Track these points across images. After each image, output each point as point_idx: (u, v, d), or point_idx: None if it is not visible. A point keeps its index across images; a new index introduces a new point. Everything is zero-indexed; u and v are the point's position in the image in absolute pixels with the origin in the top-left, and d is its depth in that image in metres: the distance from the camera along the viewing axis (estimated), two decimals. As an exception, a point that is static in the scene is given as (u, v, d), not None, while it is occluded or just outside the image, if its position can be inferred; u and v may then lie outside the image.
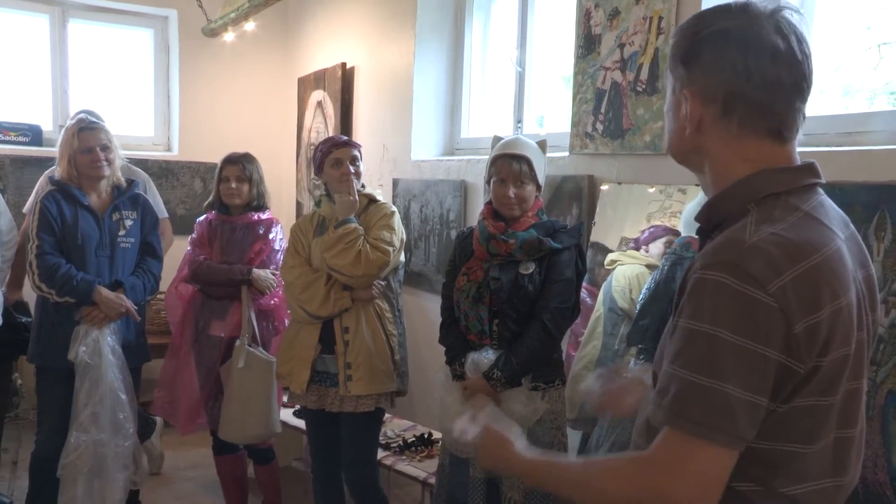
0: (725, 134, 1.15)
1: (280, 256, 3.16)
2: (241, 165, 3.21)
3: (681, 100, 1.18)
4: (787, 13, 1.13)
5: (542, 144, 2.48)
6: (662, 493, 1.06)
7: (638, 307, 2.46)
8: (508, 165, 2.38)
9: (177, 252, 3.41)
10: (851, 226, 1.19)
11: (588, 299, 2.68)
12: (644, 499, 1.09)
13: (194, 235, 3.28)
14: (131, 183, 3.12)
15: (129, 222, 3.05)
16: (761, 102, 1.12)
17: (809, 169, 1.16)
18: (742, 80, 1.11)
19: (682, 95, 1.17)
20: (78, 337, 2.89)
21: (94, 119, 3.01)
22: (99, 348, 2.90)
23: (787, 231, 1.06)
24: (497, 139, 2.50)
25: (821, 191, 1.16)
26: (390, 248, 2.68)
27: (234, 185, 3.19)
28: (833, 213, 1.16)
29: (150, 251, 3.14)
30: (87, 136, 2.95)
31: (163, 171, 5.10)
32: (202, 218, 3.33)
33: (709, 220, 1.19)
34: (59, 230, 2.91)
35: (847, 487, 1.18)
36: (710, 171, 1.19)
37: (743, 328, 1.01)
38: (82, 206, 2.96)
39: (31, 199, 3.85)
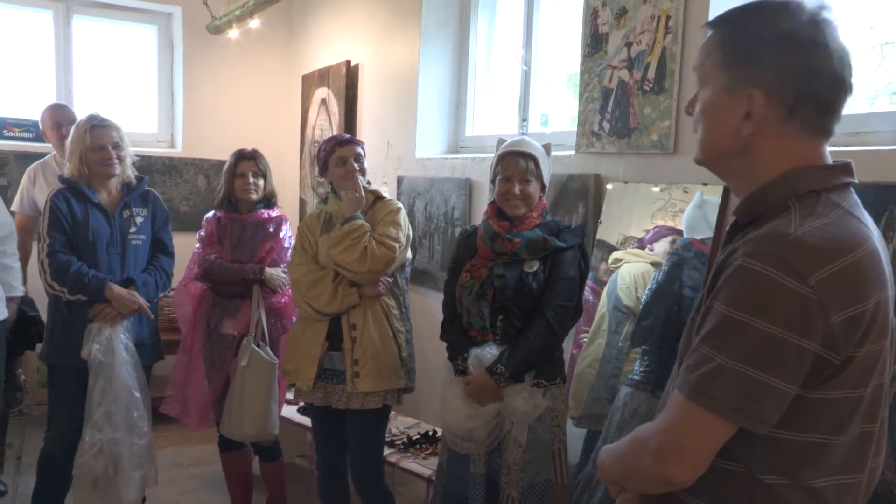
0: (783, 134, 1.17)
1: (290, 254, 3.17)
2: (255, 161, 3.23)
3: (740, 100, 1.17)
4: (830, 13, 1.16)
5: (547, 147, 2.50)
6: (662, 457, 1.13)
7: (641, 307, 2.48)
8: (515, 163, 2.38)
9: (184, 250, 3.41)
10: (876, 227, 1.21)
11: (591, 297, 2.69)
12: (642, 463, 1.16)
13: (202, 233, 3.27)
14: (141, 179, 3.11)
15: (139, 219, 3.04)
16: (827, 103, 1.15)
17: (845, 168, 1.18)
18: (814, 81, 1.13)
19: (743, 95, 1.16)
20: (91, 335, 2.87)
21: (105, 118, 3.01)
22: (112, 346, 2.89)
23: (831, 226, 1.09)
24: (501, 141, 2.51)
25: (853, 190, 1.19)
26: (396, 245, 2.69)
27: (251, 180, 3.20)
28: (865, 212, 1.18)
29: (161, 248, 3.13)
30: (98, 133, 2.94)
31: (166, 168, 5.11)
32: (210, 215, 3.32)
33: (747, 215, 1.21)
34: (70, 228, 2.90)
35: (869, 485, 1.20)
36: (748, 171, 1.20)
37: (779, 318, 1.04)
38: (93, 203, 2.94)
39: (17, 196, 3.86)
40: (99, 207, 2.96)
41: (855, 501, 1.19)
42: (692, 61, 2.40)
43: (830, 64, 1.13)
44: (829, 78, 1.13)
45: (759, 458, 1.13)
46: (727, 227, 1.28)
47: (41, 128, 3.93)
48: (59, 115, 3.82)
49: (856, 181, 1.19)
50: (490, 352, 2.35)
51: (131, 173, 3.07)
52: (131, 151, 3.08)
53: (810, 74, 1.13)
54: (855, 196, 1.18)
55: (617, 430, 2.39)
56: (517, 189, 2.37)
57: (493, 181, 2.47)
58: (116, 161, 2.96)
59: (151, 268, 3.08)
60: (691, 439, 1.11)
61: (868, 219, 1.17)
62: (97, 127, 2.95)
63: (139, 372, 3.00)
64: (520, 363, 2.32)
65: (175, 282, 3.39)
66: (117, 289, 2.91)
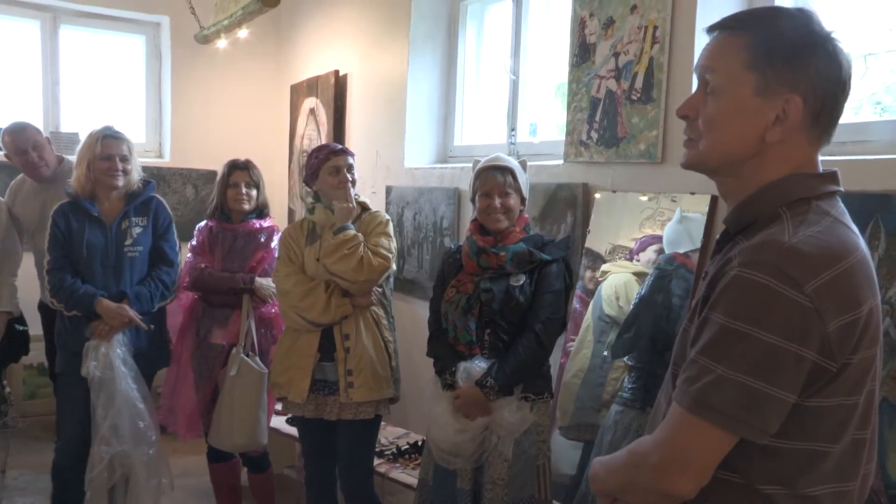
0: (803, 141, 1.17)
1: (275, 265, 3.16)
2: (248, 171, 3.25)
3: (772, 103, 1.15)
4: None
5: (523, 164, 2.54)
6: (664, 471, 1.12)
7: (624, 320, 2.50)
8: (493, 177, 2.42)
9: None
10: (860, 234, 1.22)
11: (578, 306, 2.70)
12: (643, 477, 1.15)
13: (194, 242, 3.28)
14: (146, 185, 3.11)
15: (137, 230, 3.04)
16: (839, 113, 1.17)
17: (832, 176, 1.19)
18: (840, 91, 1.15)
19: (778, 99, 1.14)
20: (88, 353, 2.90)
21: (118, 131, 3.04)
22: (110, 361, 2.90)
23: (824, 234, 1.10)
24: (477, 162, 2.55)
25: (839, 198, 1.20)
26: (389, 255, 2.72)
27: (244, 190, 3.21)
28: (851, 220, 1.19)
29: (161, 257, 3.12)
30: (110, 143, 2.97)
31: (154, 178, 5.05)
32: (202, 224, 3.33)
33: (737, 223, 1.20)
34: (66, 244, 2.93)
35: (861, 492, 1.21)
36: (750, 176, 1.19)
37: (778, 327, 1.04)
38: (91, 217, 2.96)
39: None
40: (97, 221, 2.98)
41: None
42: (680, 71, 2.45)
43: (848, 75, 1.15)
44: (848, 90, 1.16)
45: (757, 468, 1.13)
46: (716, 237, 1.28)
47: (4, 151, 3.73)
48: (21, 140, 3.64)
49: (842, 189, 1.20)
50: (479, 365, 2.35)
51: (137, 182, 3.07)
52: (139, 166, 3.10)
53: (837, 84, 1.15)
54: (842, 204, 1.19)
55: (609, 447, 2.39)
56: (497, 202, 2.41)
57: (473, 199, 2.52)
58: (121, 173, 2.98)
59: (148, 279, 3.07)
60: (693, 452, 1.10)
61: (854, 227, 1.18)
62: (109, 138, 2.98)
63: (140, 383, 3.01)
64: (509, 376, 2.32)
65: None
66: (106, 303, 2.92)
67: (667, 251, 2.44)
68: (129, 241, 3.02)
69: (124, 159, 2.99)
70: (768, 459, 1.12)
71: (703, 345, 1.10)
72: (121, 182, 2.99)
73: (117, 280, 2.99)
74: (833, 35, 1.15)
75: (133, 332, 3.01)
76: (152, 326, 3.07)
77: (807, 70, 1.13)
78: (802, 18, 1.16)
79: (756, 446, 1.10)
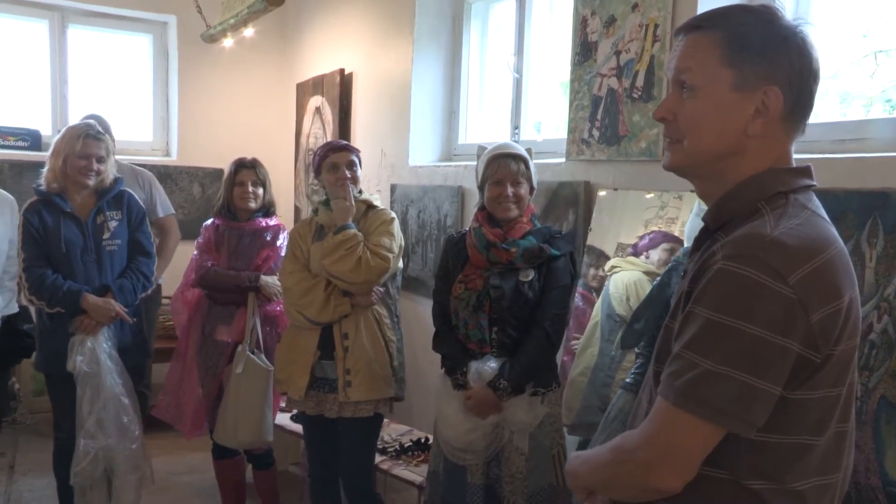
0: (781, 134, 1.18)
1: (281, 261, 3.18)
2: (255, 170, 3.27)
3: (751, 96, 1.15)
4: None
5: (528, 153, 2.50)
6: (651, 467, 1.12)
7: (633, 311, 2.47)
8: (506, 165, 2.37)
9: (179, 258, 3.42)
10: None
11: (580, 303, 2.68)
12: (628, 473, 1.16)
13: (201, 240, 3.30)
14: (116, 181, 3.12)
15: (113, 223, 3.05)
16: (812, 105, 1.18)
17: (807, 171, 1.20)
18: (813, 81, 1.17)
19: (757, 92, 1.15)
20: (74, 347, 2.91)
21: (100, 130, 3.04)
22: (96, 356, 2.92)
23: (804, 227, 1.10)
24: (482, 148, 2.51)
25: (814, 193, 1.21)
26: (390, 255, 2.69)
27: (250, 188, 3.23)
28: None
29: (139, 249, 3.13)
30: (89, 143, 2.98)
31: (161, 176, 5.06)
32: (209, 222, 3.35)
33: (717, 219, 1.21)
34: (42, 240, 2.93)
35: (843, 485, 1.21)
36: (730, 173, 1.19)
37: (763, 320, 1.04)
38: (65, 213, 2.97)
39: None
40: (71, 216, 2.98)
41: (831, 501, 1.19)
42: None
43: (819, 66, 1.17)
44: (818, 80, 1.17)
45: (743, 463, 1.12)
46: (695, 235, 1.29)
47: None
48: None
49: (816, 184, 1.21)
50: (490, 366, 2.33)
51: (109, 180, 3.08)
52: (114, 167, 3.11)
53: (810, 74, 1.16)
54: (816, 199, 1.20)
55: (602, 428, 2.36)
56: (510, 191, 2.36)
57: (481, 187, 2.46)
58: (94, 174, 2.99)
59: (129, 271, 3.08)
60: (680, 446, 1.10)
61: (829, 220, 1.19)
62: (90, 137, 2.99)
63: (125, 378, 3.03)
64: (521, 376, 2.30)
65: (172, 289, 3.40)
66: (92, 299, 2.93)
67: (686, 244, 2.39)
68: (107, 235, 3.03)
69: (100, 160, 3.00)
70: (755, 454, 1.11)
71: (689, 339, 1.10)
72: (92, 182, 3.00)
73: (99, 274, 3.00)
74: (801, 27, 1.17)
75: (118, 326, 3.03)
76: (135, 319, 3.09)
77: (781, 62, 1.14)
78: (770, 13, 1.17)
79: (742, 441, 1.10)
